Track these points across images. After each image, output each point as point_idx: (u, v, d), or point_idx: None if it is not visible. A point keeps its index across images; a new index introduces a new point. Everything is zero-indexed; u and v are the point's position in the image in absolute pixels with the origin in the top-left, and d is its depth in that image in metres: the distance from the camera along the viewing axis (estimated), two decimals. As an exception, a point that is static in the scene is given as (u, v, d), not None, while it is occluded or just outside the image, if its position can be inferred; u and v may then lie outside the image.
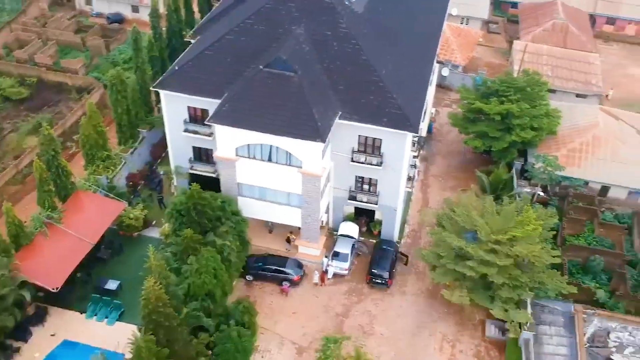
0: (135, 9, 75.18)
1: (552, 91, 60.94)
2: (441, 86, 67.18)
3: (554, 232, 45.14)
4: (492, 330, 42.86)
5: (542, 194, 49.97)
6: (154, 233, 47.49)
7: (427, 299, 45.00)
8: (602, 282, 45.11)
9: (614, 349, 42.06)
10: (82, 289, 42.94)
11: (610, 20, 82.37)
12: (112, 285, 43.04)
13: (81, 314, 41.92)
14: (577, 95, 65.00)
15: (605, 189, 52.48)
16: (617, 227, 48.67)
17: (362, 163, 44.65)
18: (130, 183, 50.57)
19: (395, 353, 41.31)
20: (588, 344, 41.48)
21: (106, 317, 41.65)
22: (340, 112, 42.89)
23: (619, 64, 76.81)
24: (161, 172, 51.68)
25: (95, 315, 41.79)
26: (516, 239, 39.88)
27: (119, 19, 74.42)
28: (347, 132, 43.56)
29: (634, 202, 52.27)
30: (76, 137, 53.54)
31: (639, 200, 52.29)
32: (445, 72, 65.89)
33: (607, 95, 68.14)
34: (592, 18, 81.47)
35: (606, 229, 48.40)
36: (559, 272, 42.55)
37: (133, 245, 46.57)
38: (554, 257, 41.26)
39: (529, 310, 41.36)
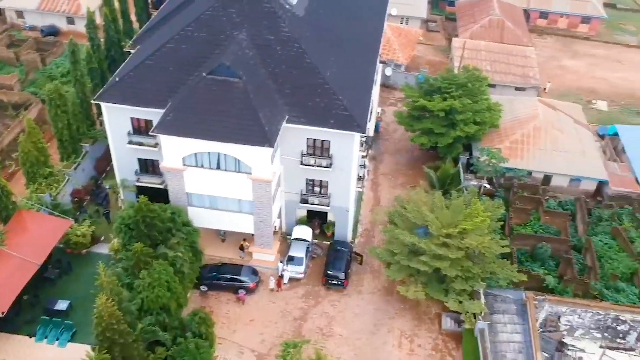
0: (70, 20, 73.19)
1: (492, 86, 62.54)
2: (385, 85, 68.05)
3: (502, 223, 46.28)
4: (448, 323, 43.57)
5: (488, 186, 51.19)
6: (103, 249, 46.29)
7: (383, 297, 45.41)
8: (550, 268, 46.48)
9: (565, 332, 43.50)
10: (30, 312, 41.49)
11: (543, 15, 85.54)
12: (61, 305, 41.71)
13: (30, 337, 40.42)
14: (516, 89, 66.94)
15: (547, 178, 54.17)
16: (561, 214, 50.27)
17: (311, 166, 44.72)
18: (76, 199, 49.21)
19: (355, 353, 41.50)
20: (541, 329, 42.71)
21: (57, 339, 40.29)
22: (287, 116, 42.85)
23: (553, 56, 79.66)
24: (107, 187, 50.50)
25: (46, 337, 40.36)
26: (466, 231, 40.69)
27: (53, 32, 72.27)
28: (295, 135, 43.54)
29: (575, 189, 54.15)
30: (15, 155, 51.66)
31: (580, 186, 54.22)
32: (389, 71, 66.76)
33: (544, 89, 70.42)
34: (526, 13, 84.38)
35: (551, 216, 49.93)
36: (508, 261, 43.63)
37: (82, 262, 45.27)
38: (503, 247, 42.29)
39: (483, 300, 42.24)
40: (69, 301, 41.95)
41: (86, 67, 53.54)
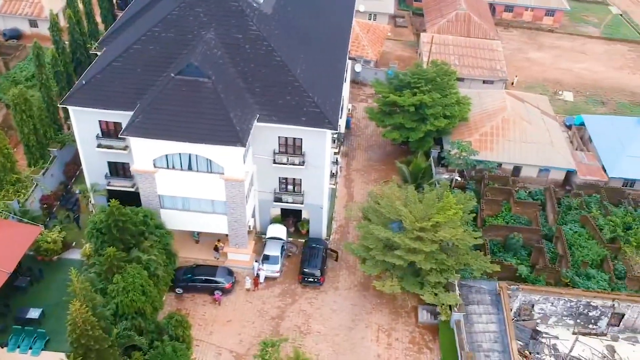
0: (33, 23, 71.70)
1: (461, 79, 63.24)
2: (355, 82, 68.28)
3: (474, 215, 46.81)
4: (424, 316, 43.94)
5: (459, 178, 51.76)
6: (75, 255, 45.57)
7: (359, 292, 45.59)
8: (523, 257, 47.12)
9: (539, 320, 44.24)
10: (1, 321, 40.68)
11: (509, 8, 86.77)
12: (33, 313, 40.95)
13: (2, 347, 39.64)
14: (484, 82, 67.80)
15: (517, 169, 54.97)
16: (532, 204, 51.00)
17: (284, 164, 44.65)
18: (45, 205, 48.34)
19: (334, 349, 41.62)
20: (515, 318, 43.37)
21: (30, 348, 39.56)
22: (258, 115, 42.71)
23: (519, 48, 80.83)
24: (77, 191, 49.73)
25: (18, 347, 39.62)
26: (439, 224, 41.05)
27: (16, 35, 70.79)
28: (266, 134, 43.42)
29: (544, 179, 55.05)
30: (-20, 162, 50.55)
31: (549, 176, 55.13)
32: (358, 67, 67.02)
33: (512, 83, 71.36)
34: (492, 7, 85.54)
35: (521, 206, 50.62)
36: (481, 252, 44.22)
37: (54, 269, 44.54)
38: (475, 238, 42.85)
39: (457, 292, 42.69)
40: (41, 309, 41.23)
41: (51, 70, 52.60)
